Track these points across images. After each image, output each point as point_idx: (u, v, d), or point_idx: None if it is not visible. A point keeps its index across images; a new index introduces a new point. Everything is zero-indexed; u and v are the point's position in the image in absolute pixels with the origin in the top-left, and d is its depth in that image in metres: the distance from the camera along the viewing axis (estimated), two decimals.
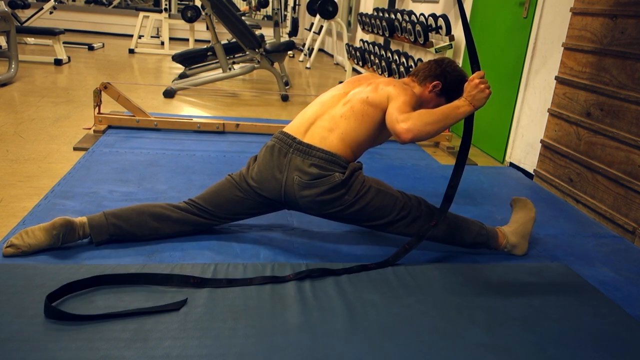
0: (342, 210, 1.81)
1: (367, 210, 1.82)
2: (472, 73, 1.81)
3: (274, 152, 1.82)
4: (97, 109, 3.31)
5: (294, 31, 9.63)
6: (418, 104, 1.88)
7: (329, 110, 1.86)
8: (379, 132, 1.87)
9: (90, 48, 7.51)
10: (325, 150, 1.78)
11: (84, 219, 1.78)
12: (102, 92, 3.31)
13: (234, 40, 5.28)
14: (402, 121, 1.71)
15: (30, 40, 7.21)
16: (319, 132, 1.81)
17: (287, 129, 1.88)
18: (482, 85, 1.76)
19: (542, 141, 3.04)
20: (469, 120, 1.86)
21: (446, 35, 4.06)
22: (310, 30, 8.70)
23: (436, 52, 4.11)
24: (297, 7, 10.56)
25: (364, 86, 1.92)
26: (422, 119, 1.70)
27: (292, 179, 1.78)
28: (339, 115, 1.84)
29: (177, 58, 5.43)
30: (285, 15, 10.34)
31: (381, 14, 5.08)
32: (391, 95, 1.83)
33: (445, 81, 1.97)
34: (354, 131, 1.82)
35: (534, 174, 3.12)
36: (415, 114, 1.72)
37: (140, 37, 8.14)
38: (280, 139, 1.84)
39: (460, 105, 1.76)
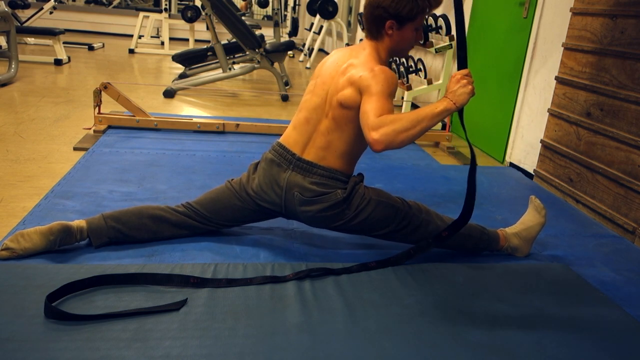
0: (344, 224, 1.81)
1: (368, 222, 1.81)
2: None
3: (273, 167, 1.80)
4: (97, 109, 3.31)
5: (294, 31, 9.63)
6: (393, 85, 1.68)
7: (318, 127, 1.78)
8: None
9: (90, 48, 7.51)
10: (325, 167, 1.76)
11: (82, 222, 1.76)
12: (102, 92, 3.31)
13: (234, 40, 5.28)
14: (373, 129, 1.54)
15: (30, 40, 7.21)
16: (315, 152, 1.77)
17: (285, 141, 1.83)
18: (464, 81, 1.62)
19: (542, 141, 3.04)
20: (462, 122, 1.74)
21: (446, 35, 4.06)
22: (310, 30, 8.70)
23: (436, 52, 4.11)
24: (297, 7, 10.56)
25: (338, 78, 1.76)
26: (395, 126, 1.53)
27: (292, 195, 1.77)
28: (327, 131, 1.76)
29: (177, 58, 5.43)
30: (285, 15, 10.33)
31: None
32: (362, 86, 1.66)
33: (392, 14, 1.72)
34: (345, 143, 1.76)
35: (534, 174, 3.12)
36: (389, 120, 1.55)
37: (140, 37, 8.14)
38: (279, 153, 1.81)
39: (439, 105, 1.60)
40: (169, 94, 4.65)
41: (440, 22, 4.05)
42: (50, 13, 7.77)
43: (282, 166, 1.79)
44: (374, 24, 1.76)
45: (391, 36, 1.76)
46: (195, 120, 3.53)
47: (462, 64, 1.73)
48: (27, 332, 1.32)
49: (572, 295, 1.75)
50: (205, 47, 5.50)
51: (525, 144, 3.25)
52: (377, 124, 1.55)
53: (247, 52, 5.14)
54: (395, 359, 1.35)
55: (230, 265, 1.73)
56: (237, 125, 3.55)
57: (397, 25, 1.74)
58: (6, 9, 4.90)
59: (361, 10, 7.30)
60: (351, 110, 1.70)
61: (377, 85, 1.63)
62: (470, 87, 1.62)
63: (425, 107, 1.60)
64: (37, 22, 7.55)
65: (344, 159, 1.79)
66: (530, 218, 2.01)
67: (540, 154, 3.07)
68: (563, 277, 1.88)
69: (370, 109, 1.59)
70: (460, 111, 1.70)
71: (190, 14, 7.86)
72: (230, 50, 5.38)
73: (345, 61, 1.78)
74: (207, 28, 7.69)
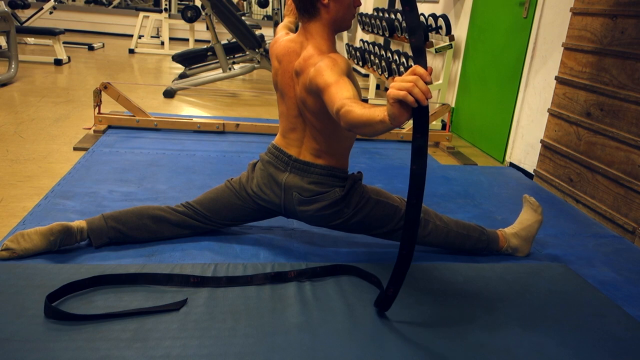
0: (343, 223, 1.81)
1: (367, 221, 1.81)
2: None
3: (270, 168, 1.81)
4: (97, 109, 3.31)
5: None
6: (341, 64, 1.56)
7: (306, 133, 1.77)
8: None
9: (90, 48, 7.50)
10: (322, 166, 1.76)
11: (82, 223, 1.77)
12: (102, 92, 3.31)
13: (234, 40, 5.28)
14: (337, 115, 1.41)
15: (30, 40, 7.21)
16: (310, 153, 1.77)
17: (279, 143, 1.82)
18: (392, 91, 1.17)
19: (542, 141, 3.04)
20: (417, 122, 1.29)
21: (446, 35, 4.06)
22: None
23: (436, 52, 4.11)
24: None
25: (297, 89, 1.70)
26: (348, 118, 1.35)
27: (291, 195, 1.78)
28: (314, 136, 1.75)
29: (177, 58, 5.43)
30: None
31: (381, 14, 5.08)
32: (315, 85, 1.55)
33: None
34: (334, 143, 1.75)
35: (534, 174, 3.12)
36: (346, 110, 1.36)
37: (140, 37, 8.14)
38: (275, 155, 1.81)
39: (380, 113, 1.26)
40: (169, 94, 4.65)
41: (441, 22, 4.05)
42: (50, 13, 7.76)
43: (279, 168, 1.79)
44: (305, 4, 1.63)
45: (327, 6, 1.62)
46: (195, 120, 3.53)
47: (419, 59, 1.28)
48: (27, 332, 1.32)
49: (572, 295, 1.76)
50: (205, 47, 5.50)
51: (525, 144, 3.25)
52: (338, 107, 1.40)
53: (247, 52, 5.14)
54: (395, 359, 1.35)
55: (230, 265, 1.73)
56: (237, 125, 3.55)
57: None
58: (6, 9, 4.90)
59: (361, 10, 7.30)
60: (323, 113, 1.64)
61: (323, 77, 1.51)
62: (391, 99, 1.17)
63: (376, 109, 1.28)
64: (37, 22, 7.55)
65: (338, 156, 1.79)
66: (527, 217, 2.00)
67: (540, 154, 3.07)
68: (563, 277, 1.88)
69: (330, 97, 1.46)
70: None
71: (190, 14, 7.85)
72: (230, 50, 5.38)
73: (293, 67, 1.71)
74: (207, 28, 7.69)
